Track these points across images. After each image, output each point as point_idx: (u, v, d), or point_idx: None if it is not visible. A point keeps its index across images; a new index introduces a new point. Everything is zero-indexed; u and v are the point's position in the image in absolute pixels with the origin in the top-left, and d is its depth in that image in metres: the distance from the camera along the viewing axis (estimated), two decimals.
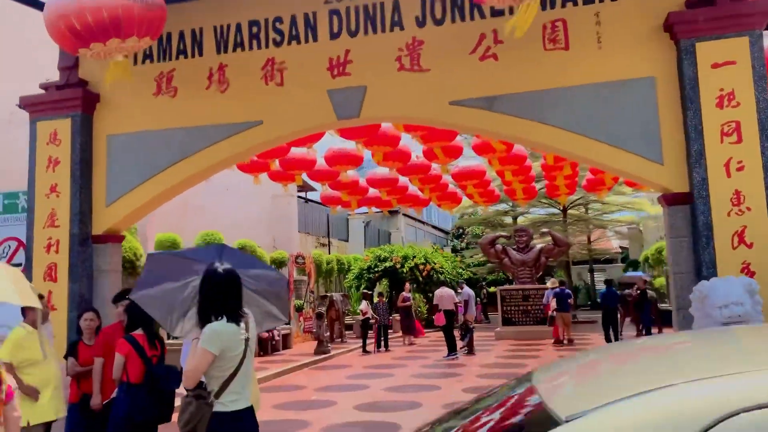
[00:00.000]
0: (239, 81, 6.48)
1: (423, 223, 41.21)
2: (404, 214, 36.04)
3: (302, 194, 24.81)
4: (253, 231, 19.74)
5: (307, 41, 6.36)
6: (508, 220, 27.96)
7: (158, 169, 6.56)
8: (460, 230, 41.34)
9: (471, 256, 28.63)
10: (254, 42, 6.50)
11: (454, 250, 32.35)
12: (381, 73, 6.14)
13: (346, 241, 29.30)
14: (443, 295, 14.19)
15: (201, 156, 6.48)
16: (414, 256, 22.03)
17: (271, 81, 6.39)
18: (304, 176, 13.36)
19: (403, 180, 14.88)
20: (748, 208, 5.16)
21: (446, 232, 45.90)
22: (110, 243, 6.70)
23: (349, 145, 11.24)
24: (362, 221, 29.57)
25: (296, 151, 11.43)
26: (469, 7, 6.01)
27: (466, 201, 21.49)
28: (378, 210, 32.68)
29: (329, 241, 26.47)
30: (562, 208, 23.64)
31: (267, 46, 6.45)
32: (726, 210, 5.20)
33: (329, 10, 6.33)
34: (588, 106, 5.69)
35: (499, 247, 18.33)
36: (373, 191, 15.00)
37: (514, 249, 18.36)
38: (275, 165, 11.69)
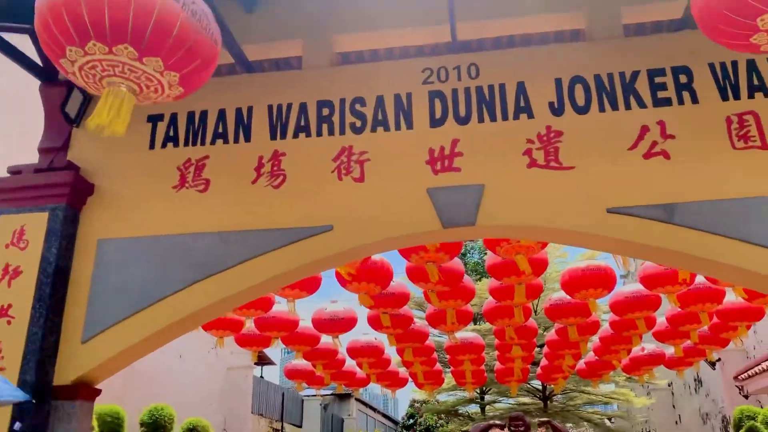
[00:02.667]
0: (301, 174, 4.59)
1: (374, 410, 37.71)
2: (357, 399, 32.81)
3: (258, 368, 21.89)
4: (205, 407, 16.64)
5: (398, 128, 4.62)
6: (474, 408, 25.31)
7: (169, 290, 4.36)
8: (411, 420, 38.00)
9: None
10: (325, 126, 4.71)
11: None
12: (503, 170, 4.38)
13: (300, 426, 25.78)
14: None
15: (237, 273, 4.36)
16: None
17: (346, 175, 4.53)
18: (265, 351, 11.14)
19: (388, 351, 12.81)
20: None
21: (395, 422, 42.19)
22: (80, 400, 4.26)
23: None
24: (320, 404, 26.32)
25: (277, 310, 9.40)
26: (622, 95, 4.48)
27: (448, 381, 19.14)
28: (330, 392, 29.65)
29: (282, 426, 23.07)
30: (542, 397, 21.40)
31: (342, 132, 4.67)
32: None
33: (429, 92, 4.68)
34: None
35: None
36: (350, 363, 12.73)
37: None
38: (248, 324, 9.52)
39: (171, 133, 4.85)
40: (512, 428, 15.95)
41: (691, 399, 19.96)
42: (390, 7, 4.87)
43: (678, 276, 8.02)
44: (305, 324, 10.17)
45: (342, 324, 9.79)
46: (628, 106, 4.43)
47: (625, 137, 4.36)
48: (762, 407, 13.15)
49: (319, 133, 4.67)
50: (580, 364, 13.26)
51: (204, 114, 4.86)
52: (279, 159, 4.64)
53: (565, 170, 4.33)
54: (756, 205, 4.08)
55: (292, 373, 13.26)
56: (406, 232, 4.34)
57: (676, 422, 21.31)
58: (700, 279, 8.43)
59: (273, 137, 4.72)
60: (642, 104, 4.42)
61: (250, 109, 4.82)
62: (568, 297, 9.27)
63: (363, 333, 11.71)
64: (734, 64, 4.41)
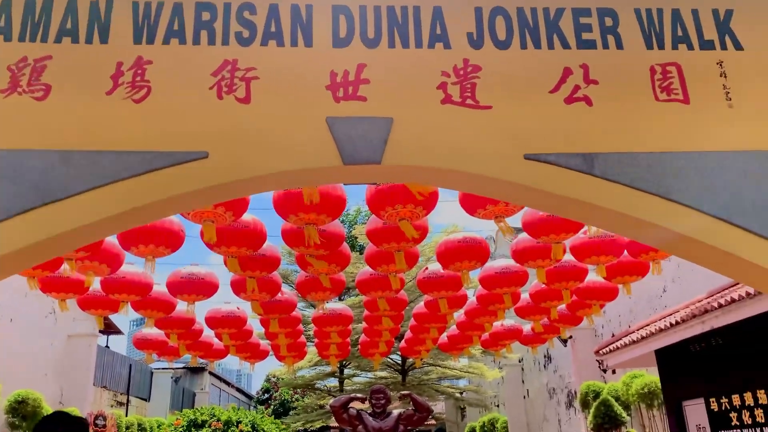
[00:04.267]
0: (171, 88, 3.69)
1: (228, 384, 36.39)
2: (211, 373, 31.41)
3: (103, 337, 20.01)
4: (38, 379, 14.84)
5: (295, 44, 3.85)
6: (332, 382, 24.98)
7: None
8: (266, 394, 37.13)
9: (295, 423, 24.80)
10: (204, 34, 3.82)
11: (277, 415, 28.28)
12: (415, 103, 3.76)
13: (147, 400, 24.06)
14: None
15: (83, 201, 3.40)
16: (239, 421, 18.02)
17: (228, 94, 3.69)
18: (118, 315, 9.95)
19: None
20: None
21: (250, 397, 41.06)
22: None
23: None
24: (171, 377, 24.73)
25: (128, 270, 8.32)
26: (545, 32, 4.00)
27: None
28: (183, 365, 28.04)
29: (128, 399, 21.36)
30: (401, 371, 21.46)
31: (226, 42, 3.81)
32: None
33: (333, 6, 3.94)
34: (728, 182, 3.76)
35: (353, 411, 15.35)
36: (207, 333, 11.77)
37: (369, 414, 15.48)
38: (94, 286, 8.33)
39: (1, 23, 3.75)
40: (373, 401, 15.71)
41: (540, 374, 20.85)
42: None
43: (551, 252, 7.93)
44: (160, 288, 9.09)
45: (201, 287, 8.82)
46: (551, 46, 3.96)
47: (547, 79, 3.89)
48: (606, 383, 13.77)
49: (197, 41, 3.79)
50: (443, 337, 13.18)
51: (48, 2, 3.80)
52: (143, 67, 3.70)
53: (482, 109, 3.78)
54: (676, 161, 3.77)
55: (141, 343, 12.01)
56: (298, 166, 3.60)
57: (524, 396, 22.21)
58: (567, 257, 8.40)
59: (137, 41, 3.77)
60: (566, 44, 3.97)
61: (109, 3, 3.82)
62: (441, 270, 8.97)
63: (224, 302, 10.78)
64: (659, 12, 4.08)
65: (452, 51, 3.88)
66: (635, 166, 3.72)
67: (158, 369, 25.02)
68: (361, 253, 11.83)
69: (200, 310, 11.11)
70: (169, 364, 17.60)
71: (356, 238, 19.84)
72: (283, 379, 25.91)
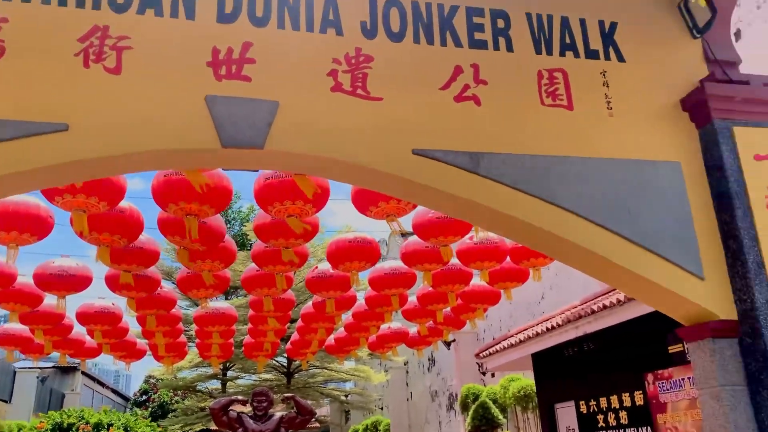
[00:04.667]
0: (28, 50, 3.28)
1: (103, 385, 34.32)
2: (83, 373, 29.50)
3: None
4: None
5: (175, 15, 3.54)
6: (214, 384, 24.09)
7: None
8: (144, 396, 35.39)
9: (173, 425, 23.66)
10: None
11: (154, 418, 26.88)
12: (303, 89, 3.57)
13: (8, 402, 22.19)
14: None
15: None
16: (111, 424, 16.94)
17: (96, 62, 3.33)
18: None
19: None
20: None
21: (126, 399, 38.97)
22: None
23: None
24: (37, 377, 22.94)
25: None
26: (439, 28, 3.93)
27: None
28: (52, 365, 26.17)
29: None
30: (286, 373, 20.98)
31: (97, 6, 3.45)
32: None
33: None
34: (607, 189, 3.83)
35: (233, 414, 14.82)
36: (78, 330, 10.96)
37: (250, 417, 15.00)
38: None
39: None
40: (255, 403, 15.26)
41: (423, 377, 21.11)
42: None
43: (440, 255, 7.96)
44: (26, 280, 8.31)
45: (73, 282, 8.12)
46: (443, 42, 3.90)
47: (438, 75, 3.83)
48: (485, 386, 14.10)
49: (63, 2, 3.40)
50: (330, 339, 12.99)
51: None
52: None
53: (373, 101, 3.66)
54: (558, 165, 3.81)
55: (2, 339, 10.98)
56: (172, 145, 3.30)
57: (408, 399, 22.42)
58: (453, 261, 8.48)
59: None
60: (458, 43, 3.92)
61: None
62: (331, 270, 8.80)
63: (99, 297, 10.04)
64: (549, 18, 4.14)
65: (344, 38, 3.73)
66: (519, 167, 3.72)
67: (22, 368, 23.15)
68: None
69: (71, 304, 10.33)
70: (34, 362, 16.27)
71: (247, 235, 19.28)
72: (162, 380, 24.69)
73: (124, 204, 6.81)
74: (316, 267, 9.24)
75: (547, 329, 7.79)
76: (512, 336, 9.23)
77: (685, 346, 5.96)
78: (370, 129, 3.58)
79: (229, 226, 23.19)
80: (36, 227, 6.74)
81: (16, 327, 10.48)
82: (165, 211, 6.50)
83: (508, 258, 8.46)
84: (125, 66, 3.36)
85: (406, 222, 7.57)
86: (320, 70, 3.62)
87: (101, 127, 3.22)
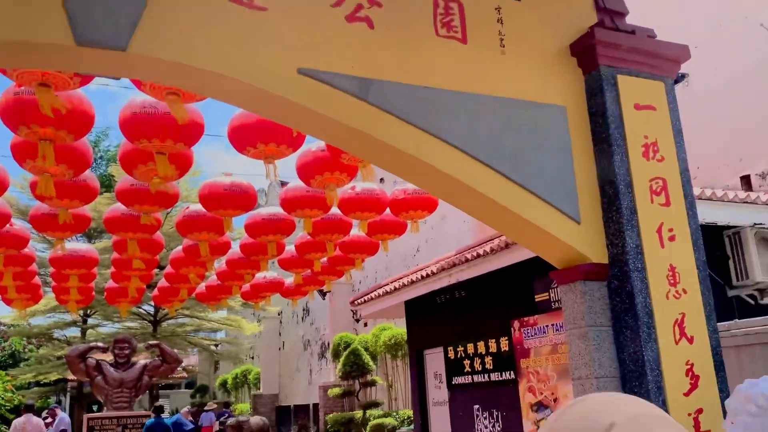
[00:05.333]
0: None
1: None
2: None
3: None
4: None
5: None
6: (73, 332, 22.62)
7: None
8: None
9: (24, 375, 22.00)
10: None
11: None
12: None
13: None
14: (27, 427, 9.48)
15: None
16: None
17: None
18: None
19: None
20: (684, 291, 3.77)
21: None
22: None
23: None
24: None
25: None
26: None
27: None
28: None
29: None
30: (152, 321, 20.03)
31: None
32: (664, 291, 3.71)
33: None
34: (494, 128, 3.72)
35: (92, 361, 13.98)
36: None
37: (111, 365, 14.18)
38: None
39: None
40: (116, 351, 14.48)
41: (297, 327, 21.00)
42: None
43: (323, 201, 7.72)
44: None
45: None
46: None
47: None
48: (357, 335, 14.21)
49: None
50: (201, 287, 12.46)
51: None
52: None
53: (256, 10, 3.28)
54: (449, 99, 3.64)
55: None
56: (11, 36, 2.76)
57: (279, 348, 22.26)
58: (333, 210, 8.30)
59: None
60: None
61: None
62: (202, 211, 8.31)
63: None
64: None
65: None
66: (410, 98, 3.52)
67: None
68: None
69: None
70: None
71: (113, 176, 17.97)
72: (13, 326, 22.84)
73: None
74: (188, 207, 8.70)
75: (422, 277, 7.83)
76: (388, 284, 9.24)
77: (554, 292, 6.17)
78: (252, 41, 3.21)
79: (94, 165, 21.54)
80: None
81: None
82: (15, 134, 5.76)
83: (387, 209, 8.40)
84: None
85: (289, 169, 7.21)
86: None
87: None
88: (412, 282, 8.17)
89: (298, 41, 3.33)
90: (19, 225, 8.92)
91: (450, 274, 7.28)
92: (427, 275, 7.72)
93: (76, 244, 10.97)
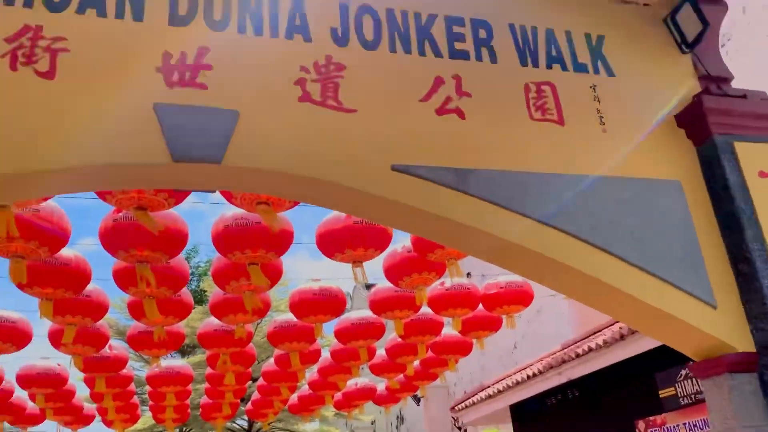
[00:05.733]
0: None
1: None
2: None
3: None
4: None
5: (120, 17, 3.09)
6: None
7: None
8: None
9: None
10: None
11: None
12: (267, 98, 3.13)
13: None
14: None
15: None
16: None
17: (26, 65, 2.84)
18: None
19: None
20: None
21: None
22: None
23: None
24: None
25: None
26: (416, 37, 3.57)
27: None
28: None
29: None
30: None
31: (29, 4, 2.98)
32: None
33: None
34: (606, 209, 3.45)
35: None
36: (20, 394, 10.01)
37: None
38: None
39: None
40: None
41: None
42: None
43: (413, 301, 7.50)
44: None
45: (9, 335, 7.38)
46: (422, 52, 3.54)
47: (417, 86, 3.44)
48: None
49: None
50: (293, 398, 12.22)
51: None
52: None
53: (346, 112, 3.24)
54: (552, 182, 3.42)
55: None
56: (112, 159, 2.80)
57: None
58: (423, 309, 8.04)
59: None
60: (438, 53, 3.56)
61: None
62: (294, 320, 8.23)
63: (41, 357, 9.18)
64: (534, 30, 3.83)
65: (313, 45, 3.33)
66: (511, 185, 3.33)
67: None
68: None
69: (11, 366, 9.43)
70: None
71: (205, 291, 18.42)
72: None
73: (69, 253, 6.21)
74: (274, 320, 8.72)
75: (528, 377, 7.31)
76: (489, 386, 8.70)
77: (681, 386, 5.56)
78: (344, 143, 3.15)
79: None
80: None
81: None
82: (115, 258, 5.93)
83: (480, 305, 8.09)
84: (60, 70, 2.88)
85: (375, 270, 7.11)
86: (286, 78, 3.20)
87: (22, 137, 2.71)
88: (517, 383, 7.65)
89: (389, 138, 3.24)
90: (117, 345, 9.10)
91: (559, 372, 6.75)
92: (534, 374, 7.20)
93: (172, 361, 11.09)
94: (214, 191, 3.50)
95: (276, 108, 3.11)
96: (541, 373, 7.03)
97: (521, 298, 8.04)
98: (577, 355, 6.38)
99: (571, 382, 6.77)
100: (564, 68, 3.77)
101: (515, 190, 3.31)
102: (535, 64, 3.72)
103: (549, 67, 3.74)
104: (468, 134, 3.40)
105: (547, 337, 10.91)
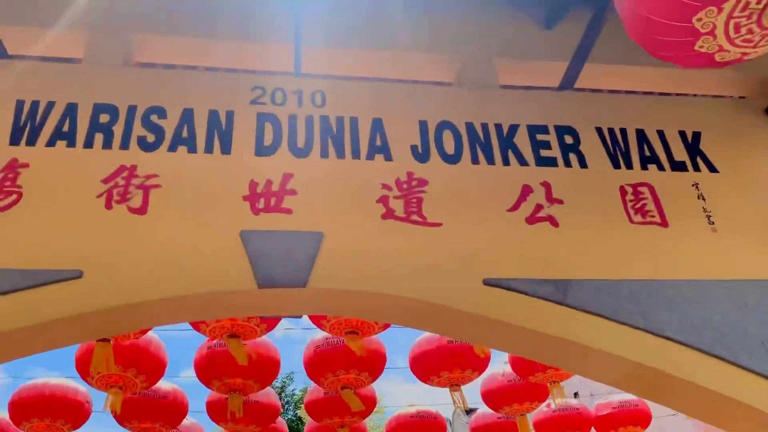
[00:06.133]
0: (47, 194, 2.94)
1: None
2: None
3: None
4: None
5: (210, 151, 3.21)
6: None
7: None
8: None
9: None
10: (99, 136, 3.16)
11: None
12: (350, 218, 3.09)
13: None
14: None
15: None
16: None
17: (120, 203, 2.96)
18: None
19: None
20: None
21: None
22: None
23: None
24: None
25: None
26: (499, 148, 3.49)
27: None
28: None
29: None
30: None
31: (125, 146, 3.15)
32: None
33: (258, 113, 3.38)
34: (728, 316, 3.07)
35: None
36: None
37: None
38: None
39: None
40: None
41: None
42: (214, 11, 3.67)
43: (515, 428, 6.99)
44: None
45: None
46: (506, 162, 3.44)
47: (504, 196, 3.31)
48: None
49: (89, 144, 3.12)
50: None
51: None
52: (17, 171, 2.98)
53: (431, 226, 3.13)
54: (661, 290, 3.11)
55: None
56: (199, 289, 2.79)
57: None
58: None
59: (15, 142, 3.08)
60: (523, 161, 3.45)
61: None
62: None
63: None
64: (623, 131, 3.67)
65: (394, 163, 3.31)
66: (615, 295, 3.04)
67: None
68: None
69: None
70: None
71: (302, 420, 18.08)
72: None
73: (167, 387, 6.26)
74: None
75: None
76: None
77: None
78: (431, 258, 3.02)
79: (282, 412, 21.98)
80: (71, 414, 6.20)
81: None
82: (209, 388, 5.91)
83: (592, 429, 7.46)
84: (152, 205, 2.97)
85: (473, 393, 6.74)
86: (369, 197, 3.16)
87: (118, 272, 2.76)
88: None
89: (479, 251, 3.08)
90: None
91: None
92: None
93: None
94: (301, 316, 3.42)
95: (360, 227, 3.05)
96: None
97: (638, 418, 7.36)
98: None
99: None
100: (661, 168, 3.54)
101: (621, 300, 3.02)
102: (629, 166, 3.52)
103: (644, 167, 3.53)
104: (563, 242, 3.19)
105: None
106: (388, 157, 3.33)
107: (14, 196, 2.91)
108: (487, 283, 2.98)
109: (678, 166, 3.58)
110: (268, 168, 3.17)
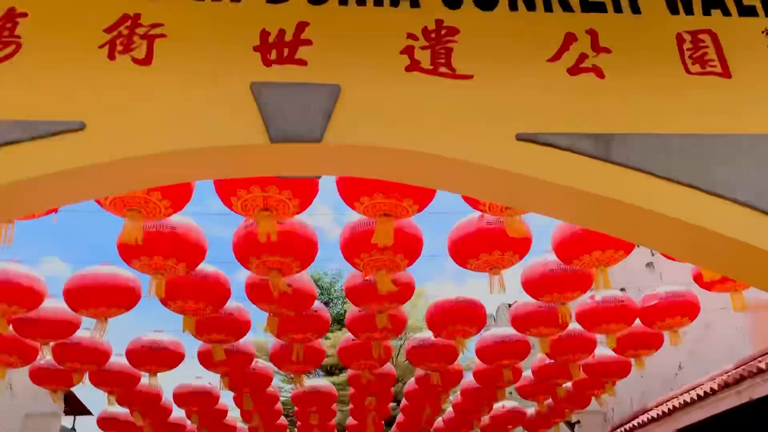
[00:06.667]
0: (46, 45, 2.75)
1: None
2: None
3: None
4: None
5: None
6: None
7: None
8: None
9: None
10: None
11: None
12: (371, 70, 2.80)
13: None
14: None
15: None
16: None
17: (123, 53, 2.74)
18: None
19: None
20: None
21: None
22: None
23: None
24: None
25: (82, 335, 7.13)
26: None
27: None
28: None
29: None
30: None
31: None
32: None
33: None
34: None
35: None
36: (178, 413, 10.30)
37: None
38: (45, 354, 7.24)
39: None
40: None
41: None
42: None
43: (556, 317, 6.81)
44: (119, 360, 7.86)
45: (164, 356, 7.64)
46: (548, 8, 3.05)
47: (545, 46, 2.95)
48: None
49: None
50: (438, 422, 11.73)
51: None
52: (15, 21, 2.78)
53: (460, 79, 2.82)
54: (720, 145, 2.76)
55: (106, 423, 10.68)
56: (207, 143, 2.59)
57: None
58: (573, 325, 7.27)
59: None
60: (567, 7, 3.06)
61: None
62: (431, 338, 7.83)
63: (196, 376, 9.47)
64: None
65: (421, 10, 2.97)
66: (665, 150, 2.71)
67: None
68: None
69: (169, 384, 9.78)
70: None
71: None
72: None
73: (209, 268, 6.27)
74: (412, 338, 8.42)
75: (699, 397, 6.32)
76: (652, 409, 7.71)
77: None
78: (459, 112, 2.73)
79: (331, 305, 22.63)
80: (123, 299, 6.32)
81: (119, 410, 10.08)
82: (247, 268, 5.88)
83: (637, 320, 7.23)
84: (157, 56, 2.75)
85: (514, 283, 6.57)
86: (392, 48, 2.85)
87: (123, 125, 2.58)
88: (686, 404, 6.65)
89: (513, 104, 2.78)
90: (262, 363, 9.16)
91: (739, 391, 5.75)
92: (706, 394, 6.21)
93: (316, 380, 11.05)
94: (318, 177, 3.22)
95: (381, 79, 2.77)
96: (714, 392, 6.04)
97: (686, 309, 7.07)
98: (760, 371, 5.37)
99: (753, 403, 5.73)
100: (726, 13, 3.09)
101: (671, 155, 2.70)
102: (689, 12, 3.08)
103: (706, 13, 3.09)
104: (609, 94, 2.84)
105: (719, 357, 9.60)
106: (415, 4, 2.99)
107: (13, 47, 2.72)
108: (520, 137, 2.69)
109: (746, 11, 3.12)
110: (281, 16, 2.88)
